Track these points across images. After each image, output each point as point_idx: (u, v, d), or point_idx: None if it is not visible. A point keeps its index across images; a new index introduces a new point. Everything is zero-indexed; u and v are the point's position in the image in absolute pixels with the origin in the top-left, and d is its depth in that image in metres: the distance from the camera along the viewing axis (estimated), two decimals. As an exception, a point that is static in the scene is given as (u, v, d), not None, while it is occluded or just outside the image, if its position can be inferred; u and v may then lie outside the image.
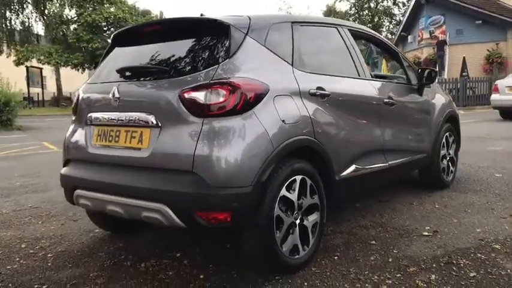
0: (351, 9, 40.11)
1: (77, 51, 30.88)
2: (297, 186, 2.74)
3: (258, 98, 2.59)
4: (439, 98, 4.65)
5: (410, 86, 4.27)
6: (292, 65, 2.93)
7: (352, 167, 3.26)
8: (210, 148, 2.44)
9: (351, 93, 3.39)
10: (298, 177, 2.75)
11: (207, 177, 2.42)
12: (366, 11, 39.97)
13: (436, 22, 22.79)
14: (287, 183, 2.67)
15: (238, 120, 2.50)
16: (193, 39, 2.83)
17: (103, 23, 31.32)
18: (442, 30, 22.60)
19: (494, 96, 12.69)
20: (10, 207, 4.59)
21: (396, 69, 15.51)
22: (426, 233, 3.36)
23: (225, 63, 2.61)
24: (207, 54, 2.74)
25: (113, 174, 2.79)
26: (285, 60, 2.91)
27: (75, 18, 32.56)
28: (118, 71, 2.90)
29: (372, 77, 3.80)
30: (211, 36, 2.79)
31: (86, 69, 33.29)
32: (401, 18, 30.75)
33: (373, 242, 3.22)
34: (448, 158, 4.73)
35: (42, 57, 30.23)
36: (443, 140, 4.61)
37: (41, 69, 34.08)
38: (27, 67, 32.35)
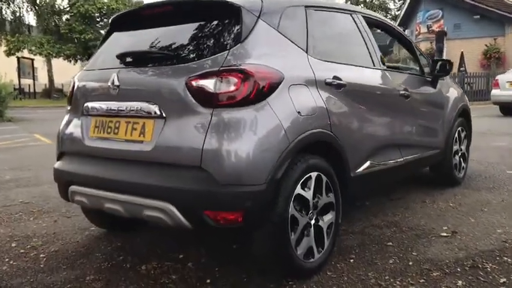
0: (346, 3, 39.92)
1: (69, 42, 30.36)
2: (312, 183, 2.52)
3: (273, 87, 2.36)
4: (452, 91, 4.46)
5: (424, 77, 4.06)
6: (306, 52, 2.71)
7: (368, 163, 3.06)
8: (220, 142, 2.22)
9: (367, 83, 3.18)
10: (314, 174, 2.54)
11: (217, 174, 2.20)
12: (361, 5, 39.79)
13: (433, 16, 22.65)
14: (302, 180, 2.46)
15: (250, 111, 2.27)
16: (201, 23, 2.59)
17: (96, 14, 30.77)
18: (440, 25, 22.47)
19: (494, 92, 12.52)
20: (-1, 202, 4.34)
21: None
22: (444, 234, 3.17)
23: (236, 48, 2.37)
24: (215, 38, 2.50)
25: (112, 169, 2.56)
26: (299, 47, 2.68)
27: (67, 9, 31.99)
28: (118, 57, 2.65)
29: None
30: (220, 19, 2.55)
31: (78, 61, 32.75)
32: (397, 13, 30.60)
33: (390, 243, 3.02)
34: (459, 154, 4.54)
35: (33, 48, 29.66)
36: (456, 135, 4.42)
37: (32, 60, 33.50)
38: (18, 58, 31.74)
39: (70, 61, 32.15)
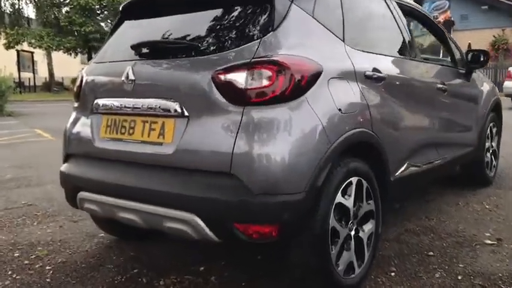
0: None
1: (69, 35, 29.89)
2: (352, 190, 2.24)
3: (311, 81, 2.07)
4: (484, 84, 4.17)
5: (457, 70, 3.76)
6: (343, 41, 2.41)
7: (407, 165, 2.77)
8: (253, 145, 1.93)
9: (406, 76, 2.90)
10: (354, 180, 2.25)
11: (249, 181, 1.91)
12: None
13: (440, 7, 22.24)
14: (342, 187, 2.17)
15: (287, 109, 1.99)
16: (226, 8, 2.29)
17: (96, 6, 30.25)
18: (446, 16, 22.06)
19: (507, 84, 12.23)
20: (1, 204, 4.04)
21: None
22: (489, 242, 2.89)
23: (268, 37, 2.07)
24: (244, 26, 2.19)
25: (127, 174, 2.27)
26: (335, 35, 2.38)
27: (67, 1, 31.45)
28: (132, 48, 2.35)
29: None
30: (248, 4, 2.24)
31: (79, 54, 32.33)
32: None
33: (431, 253, 2.74)
34: (491, 151, 4.26)
35: (33, 41, 29.22)
36: (488, 131, 4.13)
37: (32, 53, 33.05)
38: (17, 51, 31.33)
39: (70, 54, 31.73)
